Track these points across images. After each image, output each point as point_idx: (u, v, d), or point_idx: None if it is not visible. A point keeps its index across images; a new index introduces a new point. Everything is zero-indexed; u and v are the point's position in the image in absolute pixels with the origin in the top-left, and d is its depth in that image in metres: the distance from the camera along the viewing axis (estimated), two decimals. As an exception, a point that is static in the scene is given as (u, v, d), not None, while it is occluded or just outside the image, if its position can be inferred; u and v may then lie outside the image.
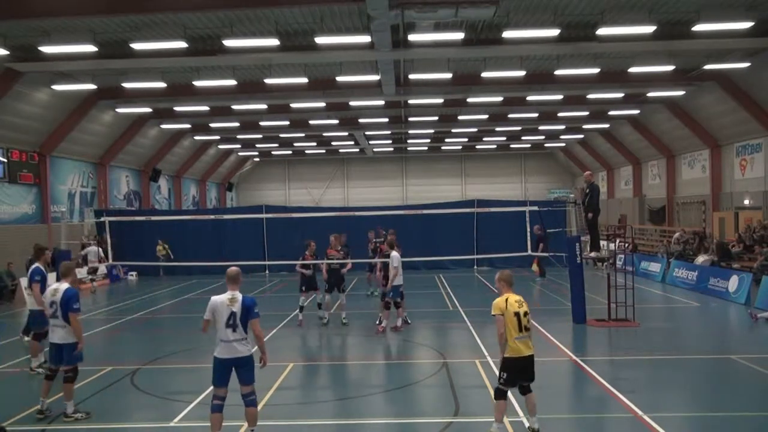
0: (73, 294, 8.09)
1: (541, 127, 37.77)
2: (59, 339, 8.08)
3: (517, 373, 6.97)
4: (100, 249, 24.19)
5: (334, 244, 14.41)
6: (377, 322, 13.47)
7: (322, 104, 28.48)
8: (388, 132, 38.91)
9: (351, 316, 14.55)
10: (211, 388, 9.07)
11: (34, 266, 10.56)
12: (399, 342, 12.66)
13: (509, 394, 7.24)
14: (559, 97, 28.66)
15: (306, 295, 14.38)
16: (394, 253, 13.15)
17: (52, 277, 11.02)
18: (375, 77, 23.28)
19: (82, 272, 23.65)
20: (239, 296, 6.77)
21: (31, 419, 8.05)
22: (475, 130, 38.28)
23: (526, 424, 7.50)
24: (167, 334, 14.22)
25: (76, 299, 8.05)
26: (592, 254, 14.75)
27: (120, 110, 28.31)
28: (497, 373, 7.09)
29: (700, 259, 21.11)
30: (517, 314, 6.92)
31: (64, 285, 8.20)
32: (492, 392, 8.66)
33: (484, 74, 23.30)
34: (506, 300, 7.00)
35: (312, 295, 14.74)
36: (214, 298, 6.85)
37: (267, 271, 26.19)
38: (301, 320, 14.27)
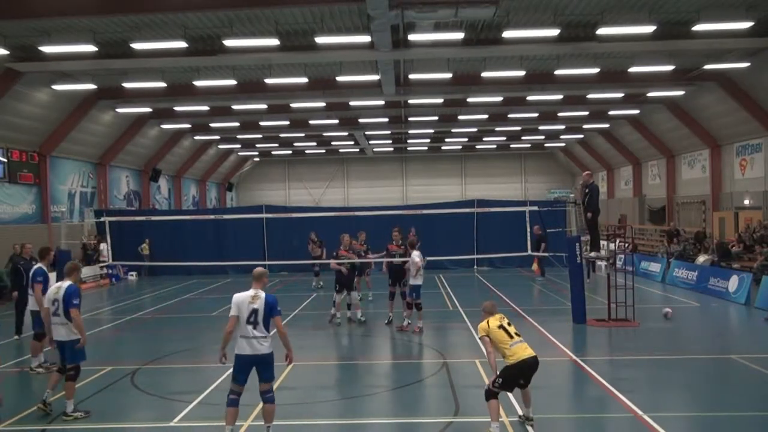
0: (75, 290, 8.20)
1: (541, 127, 37.78)
2: (61, 337, 8.15)
3: (516, 378, 7.04)
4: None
5: (347, 244, 14.39)
6: (405, 323, 13.47)
7: (322, 104, 28.49)
8: (388, 132, 38.92)
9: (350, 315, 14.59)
10: (211, 387, 9.08)
11: (36, 266, 10.58)
12: (399, 342, 12.66)
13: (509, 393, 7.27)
14: (559, 97, 28.66)
15: (340, 295, 14.29)
16: (416, 253, 13.13)
17: (52, 277, 11.09)
18: (375, 77, 23.29)
19: (93, 270, 24.07)
20: (262, 294, 6.94)
21: (31, 419, 8.05)
22: (475, 130, 38.29)
23: (520, 412, 7.55)
24: (167, 334, 14.21)
25: (76, 295, 8.18)
26: (592, 254, 14.75)
27: (120, 110, 28.31)
28: (493, 376, 7.13)
29: (701, 259, 21.12)
30: (501, 326, 7.21)
31: (67, 282, 8.30)
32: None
33: (484, 74, 23.31)
34: (487, 321, 7.30)
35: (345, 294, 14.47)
36: (237, 295, 6.99)
37: (267, 271, 26.17)
38: (334, 316, 14.41)
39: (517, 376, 7.01)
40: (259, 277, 7.13)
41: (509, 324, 7.32)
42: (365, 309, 15.96)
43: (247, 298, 6.88)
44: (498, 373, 7.02)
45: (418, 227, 22.04)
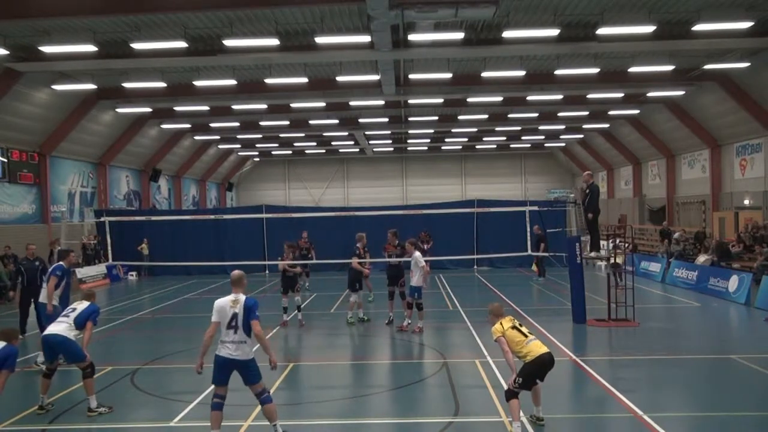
0: (98, 309, 8.74)
1: (541, 127, 37.81)
2: (57, 330, 8.17)
3: (535, 376, 7.13)
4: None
5: (392, 240, 14.42)
6: (405, 323, 13.45)
7: (322, 104, 28.50)
8: (388, 132, 38.94)
9: (354, 316, 14.59)
10: (211, 387, 9.08)
11: (57, 263, 11.00)
12: (399, 342, 12.66)
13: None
14: (559, 97, 28.68)
15: (357, 294, 14.34)
16: (417, 254, 13.13)
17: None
18: (375, 77, 23.29)
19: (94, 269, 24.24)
20: (242, 298, 6.90)
21: (31, 419, 8.05)
22: (475, 130, 38.31)
23: (530, 413, 7.54)
24: (167, 334, 14.21)
25: (98, 314, 8.72)
26: (593, 254, 14.74)
27: (120, 110, 28.33)
28: (513, 376, 7.15)
29: (701, 259, 21.11)
30: (514, 327, 7.31)
31: (87, 302, 8.71)
32: (492, 392, 8.71)
33: (484, 74, 23.31)
34: (500, 323, 7.37)
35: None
36: (218, 301, 6.99)
37: (267, 271, 26.17)
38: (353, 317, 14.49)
39: (535, 373, 7.09)
40: (238, 280, 7.07)
41: (520, 324, 7.43)
42: (365, 309, 15.94)
43: (228, 303, 6.87)
44: (517, 372, 7.08)
45: (419, 227, 22.03)
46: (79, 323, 8.33)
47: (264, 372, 7.17)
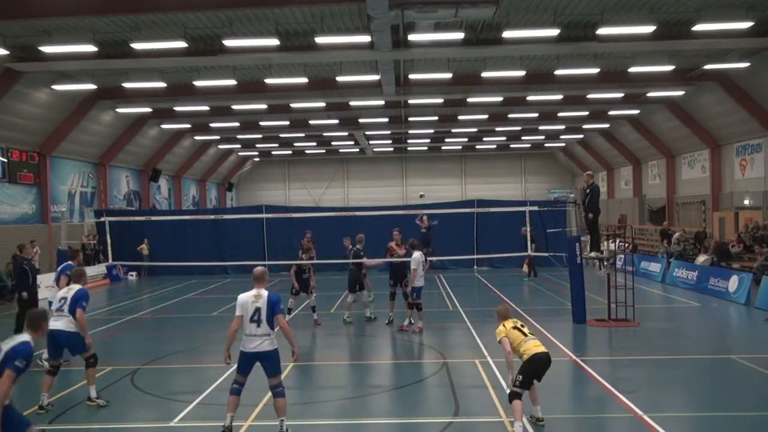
0: (85, 294, 8.66)
1: (541, 127, 37.80)
2: (61, 326, 8.29)
3: (533, 374, 7.23)
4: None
5: (397, 238, 14.50)
6: (405, 323, 13.46)
7: (322, 104, 28.50)
8: (388, 132, 38.93)
9: (351, 316, 14.62)
10: (211, 387, 9.12)
11: (67, 263, 11.25)
12: (399, 342, 12.66)
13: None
14: (559, 97, 28.67)
15: (356, 295, 14.56)
16: (416, 254, 13.11)
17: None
18: (375, 77, 23.29)
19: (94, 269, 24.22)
20: (264, 293, 7.16)
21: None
22: (475, 130, 38.30)
23: (529, 413, 7.54)
24: (167, 334, 14.21)
25: (85, 298, 8.62)
26: (593, 254, 14.74)
27: (120, 110, 28.32)
28: (511, 375, 7.26)
29: (701, 259, 21.12)
30: (515, 327, 7.52)
31: (77, 286, 8.73)
32: (492, 392, 8.72)
33: (484, 74, 23.31)
34: (503, 324, 7.59)
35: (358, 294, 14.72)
36: (241, 295, 7.22)
37: (267, 270, 26.13)
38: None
39: (532, 372, 7.20)
40: (260, 277, 7.32)
41: (522, 326, 7.58)
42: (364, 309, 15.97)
43: (251, 298, 7.11)
44: (517, 372, 7.19)
45: (418, 227, 22.00)
46: (72, 312, 8.41)
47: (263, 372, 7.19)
